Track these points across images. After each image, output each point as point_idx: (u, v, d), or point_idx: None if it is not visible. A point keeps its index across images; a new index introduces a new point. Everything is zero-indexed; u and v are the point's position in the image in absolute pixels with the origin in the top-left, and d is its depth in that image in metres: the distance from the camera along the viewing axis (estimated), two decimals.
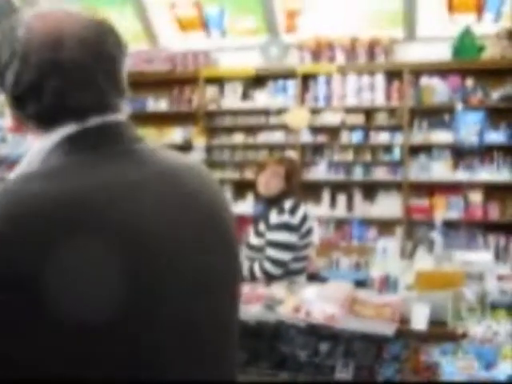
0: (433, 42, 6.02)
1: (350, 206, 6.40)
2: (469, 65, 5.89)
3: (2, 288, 0.78)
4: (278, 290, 2.90)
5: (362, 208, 6.34)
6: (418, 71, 6.09)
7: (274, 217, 3.30)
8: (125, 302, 0.86)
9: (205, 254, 1.00)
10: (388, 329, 2.51)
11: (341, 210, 6.37)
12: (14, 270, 0.78)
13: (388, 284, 3.04)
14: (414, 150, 6.16)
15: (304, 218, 3.36)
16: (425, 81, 6.08)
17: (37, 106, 0.91)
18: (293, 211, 3.32)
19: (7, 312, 0.79)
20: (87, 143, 0.92)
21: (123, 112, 1.00)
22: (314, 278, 4.01)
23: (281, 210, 3.30)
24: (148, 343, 0.90)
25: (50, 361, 0.81)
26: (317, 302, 2.66)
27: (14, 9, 6.28)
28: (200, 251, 0.99)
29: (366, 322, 2.60)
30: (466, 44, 5.83)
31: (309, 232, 3.42)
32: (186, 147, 6.42)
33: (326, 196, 6.45)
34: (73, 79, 0.90)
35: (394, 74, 6.20)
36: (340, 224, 6.39)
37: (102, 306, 0.83)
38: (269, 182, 3.38)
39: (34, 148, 0.95)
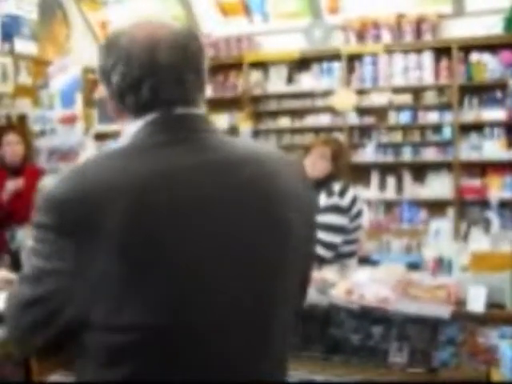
0: (483, 16, 5.82)
1: (399, 187, 6.30)
2: None
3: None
4: (329, 273, 2.87)
5: (412, 189, 6.23)
6: (468, 47, 5.91)
7: (324, 199, 3.26)
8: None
9: (245, 246, 1.07)
10: (443, 311, 2.45)
11: (390, 192, 6.28)
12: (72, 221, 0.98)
13: (442, 266, 2.96)
14: (465, 129, 6.00)
15: (353, 200, 3.32)
16: (475, 57, 5.90)
17: (135, 99, 1.10)
18: (342, 193, 3.28)
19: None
20: (165, 128, 1.09)
21: (202, 106, 1.17)
22: (364, 261, 3.95)
23: (330, 193, 3.26)
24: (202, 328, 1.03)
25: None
26: (369, 285, 2.62)
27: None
28: (241, 241, 1.06)
29: (421, 305, 2.54)
30: None
31: (359, 214, 3.38)
32: (232, 132, 6.42)
33: (374, 178, 6.36)
34: (165, 78, 1.09)
35: (442, 52, 6.04)
36: (390, 206, 6.30)
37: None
38: (315, 163, 3.34)
39: (128, 128, 1.13)
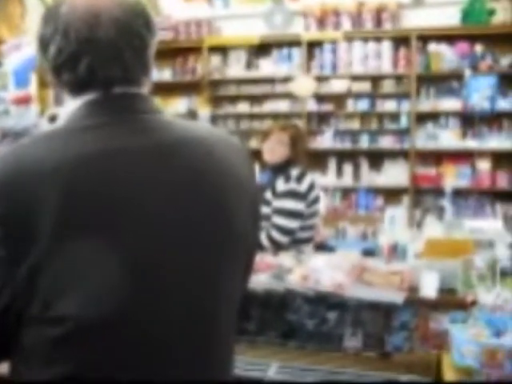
0: (441, 7, 5.91)
1: (356, 174, 6.36)
2: (478, 30, 5.79)
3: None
4: (285, 258, 2.87)
5: (369, 177, 6.30)
6: (426, 37, 5.99)
7: (281, 184, 3.26)
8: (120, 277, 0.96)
9: (186, 225, 1.04)
10: (397, 297, 2.48)
11: (347, 179, 6.34)
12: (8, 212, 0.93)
13: (396, 253, 3.00)
14: (422, 118, 6.09)
15: (311, 186, 3.32)
16: (433, 47, 5.98)
17: (71, 76, 1.04)
18: (300, 179, 3.28)
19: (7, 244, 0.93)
20: (103, 109, 1.04)
21: (145, 86, 1.11)
22: (321, 247, 3.98)
23: (287, 178, 3.26)
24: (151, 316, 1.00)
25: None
26: (325, 271, 2.63)
27: None
28: (181, 222, 1.03)
29: (375, 290, 2.57)
30: (475, 8, 5.72)
31: (316, 200, 3.38)
32: (190, 117, 6.36)
33: (332, 165, 6.41)
34: (104, 55, 1.03)
35: (401, 41, 6.11)
36: (346, 193, 6.36)
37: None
38: (273, 149, 3.33)
39: (65, 109, 1.08)
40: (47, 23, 1.05)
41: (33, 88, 4.40)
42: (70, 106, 1.07)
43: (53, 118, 4.25)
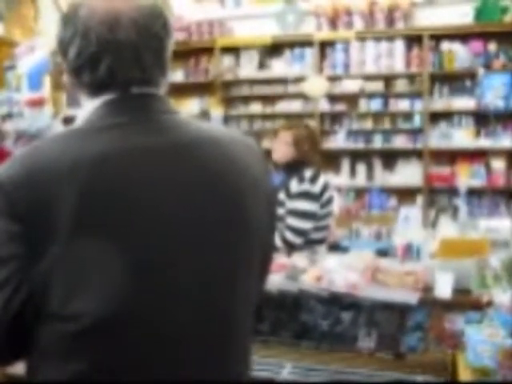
0: (454, 5, 5.87)
1: (369, 174, 6.34)
2: (491, 28, 5.73)
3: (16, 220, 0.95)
4: (299, 259, 2.87)
5: (382, 177, 6.28)
6: (439, 36, 5.95)
7: (295, 185, 3.26)
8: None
9: (209, 235, 1.05)
10: (411, 297, 2.47)
11: (360, 179, 6.32)
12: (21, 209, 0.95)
13: (411, 253, 2.99)
14: (435, 117, 6.05)
15: (325, 187, 3.32)
16: (446, 46, 5.95)
17: (91, 77, 1.05)
18: (313, 180, 3.27)
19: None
20: (120, 109, 1.06)
21: (163, 87, 1.12)
22: (334, 248, 3.97)
23: (301, 179, 3.26)
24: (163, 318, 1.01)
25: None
26: (339, 271, 2.63)
27: None
28: (201, 226, 1.04)
29: (389, 291, 2.56)
30: (488, 6, 5.67)
31: (329, 201, 3.38)
32: (203, 118, 6.37)
33: (345, 165, 6.39)
34: (124, 56, 1.04)
35: (413, 40, 6.07)
36: (360, 193, 6.34)
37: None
38: (278, 148, 3.34)
39: (84, 109, 1.09)
40: (66, 26, 1.06)
41: (46, 90, 4.43)
42: (88, 107, 1.08)
43: (66, 120, 4.27)
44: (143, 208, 0.98)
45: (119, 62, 1.04)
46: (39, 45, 4.62)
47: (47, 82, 4.35)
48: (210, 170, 1.06)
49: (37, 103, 4.23)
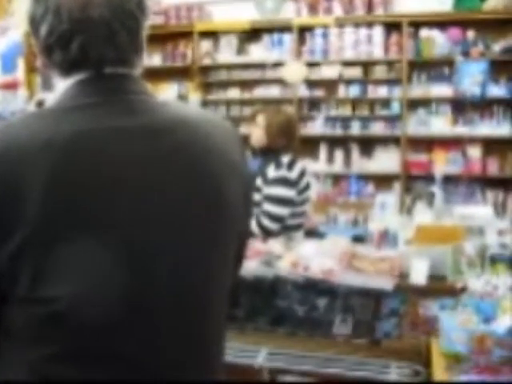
0: None
1: (347, 161, 6.35)
2: (470, 16, 5.75)
3: None
4: (275, 245, 2.86)
5: (360, 163, 6.29)
6: (418, 23, 5.96)
7: (272, 171, 3.24)
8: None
9: (183, 216, 1.03)
10: (387, 283, 2.48)
11: (338, 166, 6.33)
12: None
13: (387, 239, 2.99)
14: (413, 104, 6.07)
15: (302, 173, 3.31)
16: (424, 33, 5.96)
17: (63, 55, 1.02)
18: (290, 166, 3.26)
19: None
20: (93, 89, 1.03)
21: (137, 68, 1.10)
22: (311, 233, 3.97)
23: (278, 165, 3.24)
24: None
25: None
26: (315, 257, 2.62)
27: None
28: (175, 210, 1.02)
29: (365, 277, 2.57)
30: None
31: (307, 187, 3.37)
32: (180, 102, 6.31)
33: (323, 151, 6.39)
34: (97, 35, 1.01)
35: (392, 26, 6.07)
36: (337, 179, 6.35)
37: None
38: (253, 133, 3.34)
39: (57, 89, 1.07)
40: (38, 2, 1.03)
41: (20, 73, 4.36)
42: (60, 87, 1.06)
43: (41, 104, 4.20)
44: (115, 188, 0.96)
45: (92, 39, 1.01)
46: (13, 26, 4.53)
47: (21, 64, 4.28)
48: (185, 151, 1.04)
49: (11, 86, 4.16)
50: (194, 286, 1.05)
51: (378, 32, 6.10)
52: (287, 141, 3.34)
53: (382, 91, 6.14)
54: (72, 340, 0.95)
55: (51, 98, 1.09)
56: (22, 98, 4.26)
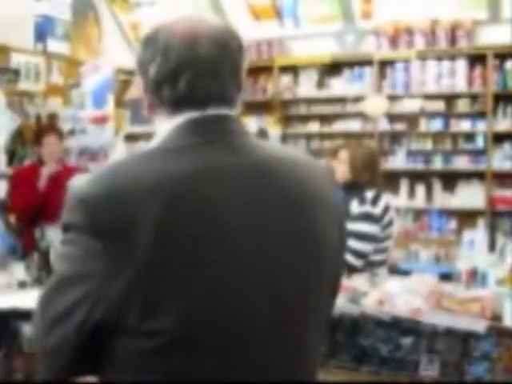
0: None
1: (429, 196, 6.21)
2: None
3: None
4: (360, 282, 2.81)
5: (442, 198, 6.14)
6: (503, 55, 5.81)
7: (356, 207, 3.20)
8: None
9: (283, 251, 1.05)
10: (478, 325, 2.38)
11: (419, 201, 6.19)
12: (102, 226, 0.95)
13: (476, 278, 2.89)
14: (499, 138, 5.90)
15: (386, 209, 3.25)
16: (510, 64, 5.79)
17: (171, 92, 1.07)
18: (375, 201, 3.21)
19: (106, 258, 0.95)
20: (198, 130, 1.07)
21: (237, 106, 1.15)
22: (392, 270, 3.89)
23: (362, 200, 3.20)
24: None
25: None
26: (401, 295, 2.56)
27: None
28: (277, 248, 1.04)
29: (455, 318, 2.48)
30: None
31: (390, 223, 3.30)
32: (261, 136, 6.39)
33: (404, 186, 6.28)
34: (203, 72, 1.06)
35: (476, 59, 5.96)
36: (418, 215, 6.21)
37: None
38: (336, 168, 3.29)
39: (162, 128, 1.11)
40: (146, 48, 1.10)
41: (109, 108, 4.54)
42: (165, 126, 1.10)
43: (129, 137, 4.36)
44: (225, 224, 1.00)
45: (199, 76, 1.06)
46: (103, 64, 4.74)
47: (111, 99, 4.45)
48: (282, 189, 1.07)
49: (100, 120, 4.33)
50: (292, 313, 1.07)
51: (461, 64, 6.00)
52: (371, 175, 3.30)
53: (465, 125, 6.00)
54: (176, 368, 0.98)
55: (156, 137, 1.13)
56: (110, 131, 4.42)
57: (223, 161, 1.04)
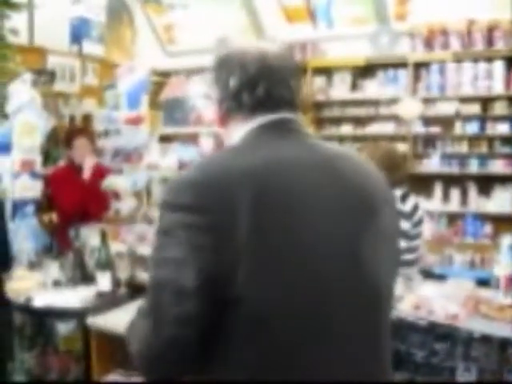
0: None
1: (463, 200, 6.10)
2: None
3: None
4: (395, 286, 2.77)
5: (477, 203, 6.03)
6: None
7: None
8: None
9: (355, 242, 1.16)
10: None
11: (454, 205, 6.09)
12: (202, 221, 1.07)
13: None
14: None
15: (415, 207, 3.31)
16: None
17: (250, 97, 1.25)
18: (404, 199, 3.27)
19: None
20: (273, 131, 1.24)
21: (298, 111, 1.32)
22: (427, 274, 3.83)
23: None
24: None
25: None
26: (438, 301, 2.51)
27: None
28: (351, 238, 1.16)
29: (493, 324, 2.42)
30: None
31: (420, 221, 3.34)
32: None
33: (438, 189, 6.19)
34: (276, 81, 1.26)
35: None
36: (453, 219, 6.11)
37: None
38: None
39: (239, 129, 1.27)
40: (221, 68, 1.29)
41: (144, 109, 4.56)
42: (242, 129, 1.27)
43: (163, 138, 4.36)
44: (309, 209, 1.13)
45: (273, 84, 1.25)
46: (138, 66, 4.77)
47: (145, 101, 4.48)
48: (351, 181, 1.22)
49: (135, 121, 4.35)
50: (370, 318, 1.18)
51: (498, 66, 5.88)
52: (393, 175, 3.25)
53: (502, 128, 5.88)
54: (269, 359, 1.09)
55: (233, 138, 1.29)
56: (144, 132, 4.44)
57: (301, 153, 1.20)
